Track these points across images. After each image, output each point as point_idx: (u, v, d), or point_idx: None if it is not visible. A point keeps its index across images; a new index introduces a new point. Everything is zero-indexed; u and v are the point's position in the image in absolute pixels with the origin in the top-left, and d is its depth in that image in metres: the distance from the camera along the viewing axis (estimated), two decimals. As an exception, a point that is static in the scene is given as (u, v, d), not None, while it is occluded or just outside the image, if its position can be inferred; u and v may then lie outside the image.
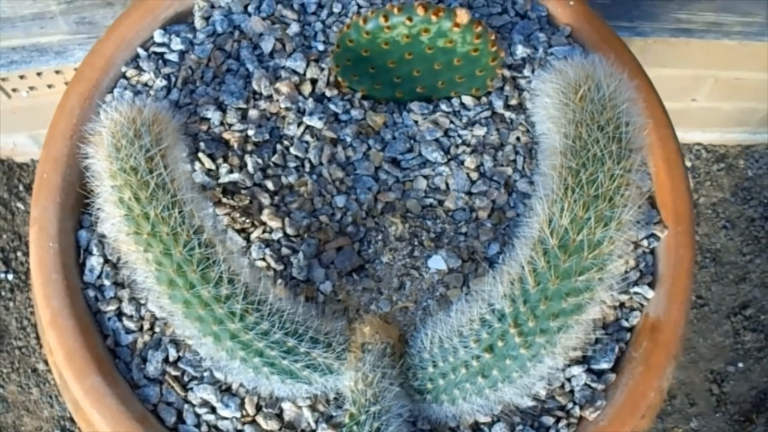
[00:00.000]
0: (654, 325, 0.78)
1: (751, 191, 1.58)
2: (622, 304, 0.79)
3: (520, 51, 0.88)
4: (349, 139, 0.84)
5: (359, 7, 0.90)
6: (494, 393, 0.69)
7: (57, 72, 1.27)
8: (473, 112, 0.86)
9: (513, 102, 0.86)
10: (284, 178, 0.82)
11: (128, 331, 0.77)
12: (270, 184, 0.81)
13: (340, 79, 0.85)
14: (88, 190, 0.69)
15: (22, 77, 1.28)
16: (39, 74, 1.28)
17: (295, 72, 0.86)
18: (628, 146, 0.63)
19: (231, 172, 0.81)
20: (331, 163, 0.83)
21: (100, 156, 0.65)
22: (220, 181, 0.81)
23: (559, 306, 0.63)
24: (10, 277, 1.47)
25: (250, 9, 0.90)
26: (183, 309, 0.67)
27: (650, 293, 0.79)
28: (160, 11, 0.89)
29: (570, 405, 0.75)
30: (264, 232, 0.79)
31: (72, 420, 1.39)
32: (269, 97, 0.84)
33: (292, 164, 0.82)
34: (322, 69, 0.86)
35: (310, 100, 0.85)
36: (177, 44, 0.87)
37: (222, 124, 0.83)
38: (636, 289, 0.79)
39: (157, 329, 0.77)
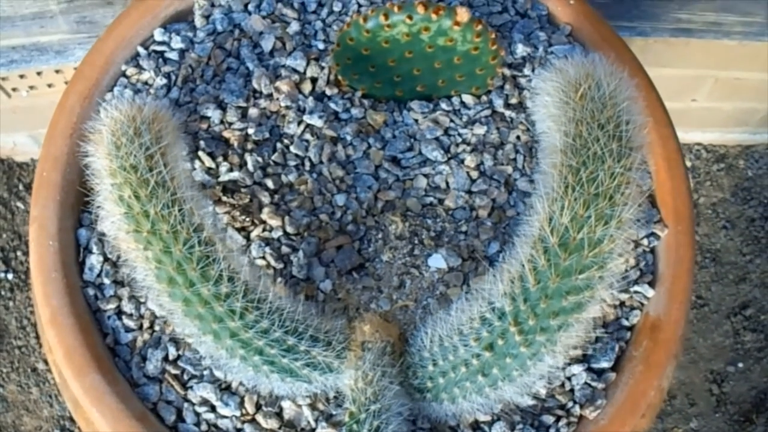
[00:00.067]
0: (654, 324, 0.78)
1: (751, 191, 1.58)
2: (622, 303, 0.79)
3: (521, 50, 0.88)
4: (349, 138, 0.84)
5: (359, 5, 0.90)
6: (494, 391, 0.69)
7: (57, 71, 1.27)
8: (473, 110, 0.86)
9: (513, 101, 0.86)
10: (284, 176, 0.82)
11: (128, 330, 0.77)
12: (270, 183, 0.81)
13: (340, 77, 0.85)
14: (87, 188, 0.69)
15: (22, 76, 1.28)
16: (39, 74, 1.27)
17: (295, 70, 0.86)
18: (629, 144, 0.63)
19: (231, 170, 0.81)
20: (331, 161, 0.83)
21: (100, 154, 0.65)
22: (220, 179, 0.81)
23: (560, 304, 0.63)
24: (10, 276, 1.47)
25: (250, 7, 0.90)
26: (183, 307, 0.67)
27: (650, 292, 0.79)
28: (160, 10, 0.89)
29: (570, 404, 0.75)
30: (264, 230, 0.79)
31: (72, 419, 1.39)
32: (269, 96, 0.84)
33: (292, 163, 0.82)
34: (323, 67, 0.86)
35: (311, 98, 0.85)
36: (177, 43, 0.87)
37: (222, 122, 0.83)
38: (636, 288, 0.79)
39: (156, 328, 0.77)
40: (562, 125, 0.63)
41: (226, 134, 0.82)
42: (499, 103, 0.86)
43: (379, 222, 0.81)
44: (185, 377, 0.75)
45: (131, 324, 0.77)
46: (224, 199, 0.80)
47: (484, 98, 0.87)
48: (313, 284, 0.78)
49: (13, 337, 1.44)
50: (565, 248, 0.61)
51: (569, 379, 0.76)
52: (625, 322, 0.79)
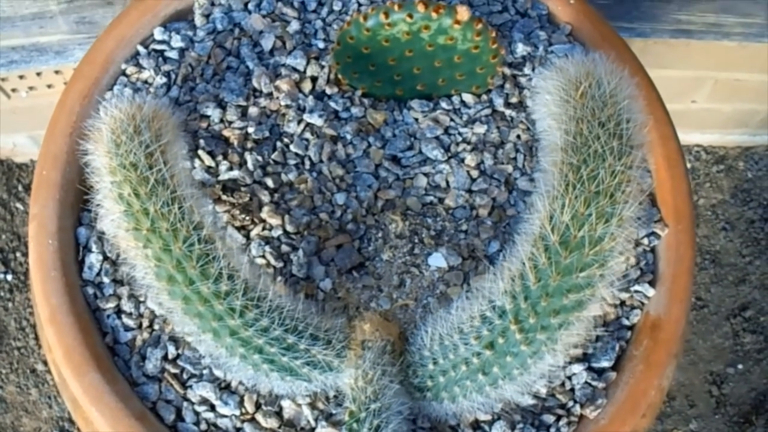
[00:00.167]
0: (655, 323, 0.78)
1: (750, 193, 1.58)
2: (622, 303, 0.79)
3: (521, 49, 0.87)
4: (349, 137, 0.84)
5: (360, 4, 0.90)
6: (495, 390, 0.69)
7: (56, 72, 1.27)
8: (474, 109, 0.86)
9: (513, 100, 0.86)
10: (284, 175, 0.81)
11: (127, 329, 0.77)
12: (270, 182, 0.81)
13: (340, 76, 0.85)
14: (87, 187, 0.69)
15: (21, 77, 1.28)
16: (38, 74, 1.27)
17: (295, 69, 0.86)
18: (629, 143, 0.63)
19: (231, 169, 0.81)
20: (331, 160, 0.82)
21: (99, 152, 0.65)
22: (220, 178, 0.81)
23: (560, 302, 0.63)
24: (9, 277, 1.47)
25: (250, 7, 0.90)
26: (182, 305, 0.67)
27: (651, 291, 0.79)
28: (160, 9, 0.89)
29: (570, 403, 0.75)
30: (264, 229, 0.79)
31: (71, 420, 1.39)
32: (269, 95, 0.84)
33: (292, 161, 0.82)
34: (323, 66, 0.86)
35: (311, 97, 0.84)
36: (177, 42, 0.87)
37: (222, 121, 0.83)
38: (636, 287, 0.79)
39: (156, 327, 0.77)
40: (563, 123, 0.63)
41: (225, 133, 0.82)
42: (499, 102, 0.86)
43: (379, 221, 0.81)
44: (185, 376, 0.75)
45: (131, 323, 0.77)
46: (224, 197, 0.80)
47: (485, 97, 0.87)
48: (313, 283, 0.78)
49: (13, 338, 1.43)
50: (566, 246, 0.61)
51: (570, 378, 0.76)
52: (626, 322, 0.79)
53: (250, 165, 0.81)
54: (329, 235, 0.80)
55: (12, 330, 1.44)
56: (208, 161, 0.81)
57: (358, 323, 0.74)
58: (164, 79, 0.85)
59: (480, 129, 0.85)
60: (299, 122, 0.83)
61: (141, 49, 0.87)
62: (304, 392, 0.74)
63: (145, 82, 0.86)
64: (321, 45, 0.88)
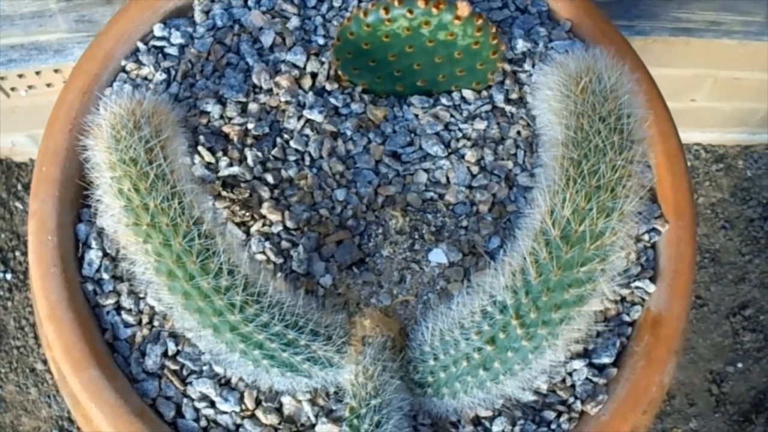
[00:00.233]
0: (655, 319, 0.78)
1: (750, 191, 1.58)
2: (623, 299, 0.79)
3: (521, 45, 0.87)
4: (349, 133, 0.84)
5: (360, 0, 0.90)
6: (496, 386, 0.69)
7: (56, 71, 1.27)
8: (474, 105, 0.86)
9: (513, 96, 0.86)
10: (284, 171, 0.81)
11: (127, 325, 0.76)
12: (270, 178, 0.81)
13: (340, 72, 0.85)
14: (87, 183, 0.68)
15: (20, 76, 1.28)
16: (38, 73, 1.27)
17: (295, 66, 0.86)
18: (630, 137, 0.63)
19: (231, 165, 0.81)
20: (331, 156, 0.82)
21: (99, 147, 0.65)
22: (220, 174, 0.80)
23: (561, 297, 0.63)
24: (9, 276, 1.46)
25: (250, 3, 0.90)
26: (182, 300, 0.67)
27: (651, 288, 0.79)
28: (159, 5, 0.88)
29: (571, 399, 0.75)
30: (264, 225, 0.79)
31: (70, 420, 1.39)
32: (269, 91, 0.84)
33: (292, 158, 0.82)
34: (323, 63, 0.86)
35: (310, 93, 0.84)
36: (177, 38, 0.87)
37: (222, 117, 0.83)
38: (637, 283, 0.79)
39: (156, 323, 0.76)
40: (564, 118, 0.63)
41: (225, 129, 0.82)
42: (499, 98, 0.86)
43: (380, 217, 0.81)
44: (184, 373, 0.75)
45: (130, 319, 0.76)
46: (224, 194, 0.80)
47: (485, 93, 0.87)
48: (313, 279, 0.78)
49: (12, 338, 1.43)
50: (567, 241, 0.61)
51: (570, 374, 0.76)
52: (626, 318, 0.78)
53: (250, 161, 0.81)
54: (329, 231, 0.79)
55: (11, 329, 1.44)
56: (208, 157, 0.81)
57: (359, 319, 0.73)
58: (164, 76, 0.85)
59: (480, 125, 0.85)
60: (299, 118, 0.83)
61: (141, 45, 0.87)
62: (305, 388, 0.73)
63: (145, 78, 0.85)
64: (321, 41, 0.87)
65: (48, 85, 1.30)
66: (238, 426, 0.73)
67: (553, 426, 0.74)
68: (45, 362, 1.42)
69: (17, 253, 1.48)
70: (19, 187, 1.53)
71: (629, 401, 0.75)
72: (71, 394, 0.74)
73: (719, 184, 1.58)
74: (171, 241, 0.64)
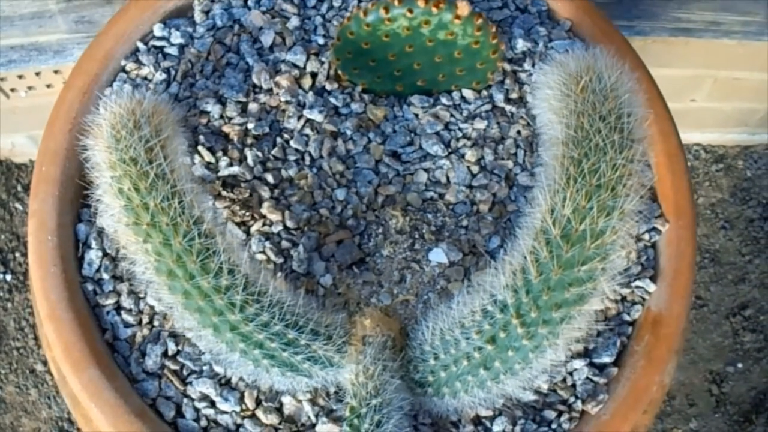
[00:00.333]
0: (656, 319, 0.77)
1: (750, 192, 1.58)
2: (623, 298, 0.79)
3: (521, 45, 0.87)
4: (349, 133, 0.84)
5: (359, 0, 0.90)
6: (496, 385, 0.69)
7: (56, 72, 1.27)
8: (474, 105, 0.86)
9: (513, 95, 0.86)
10: (284, 171, 0.81)
11: (127, 325, 0.76)
12: (270, 177, 0.81)
13: (340, 72, 0.85)
14: (87, 183, 0.68)
15: (20, 77, 1.28)
16: (38, 74, 1.27)
17: (295, 65, 0.86)
18: (630, 136, 0.63)
19: (231, 165, 0.81)
20: (331, 156, 0.82)
21: (99, 147, 0.65)
22: (220, 174, 0.80)
23: (562, 296, 0.63)
24: (8, 277, 1.46)
25: (249, 3, 0.90)
26: (182, 300, 0.67)
27: (652, 287, 0.79)
28: (159, 5, 0.88)
29: (572, 399, 0.75)
30: (264, 225, 0.79)
31: (70, 421, 1.38)
32: (269, 91, 0.84)
33: (292, 157, 0.82)
34: (323, 62, 0.86)
35: (311, 93, 0.84)
36: (177, 38, 0.87)
37: (222, 117, 0.83)
38: (638, 282, 0.79)
39: (156, 323, 0.76)
40: (564, 117, 0.63)
41: (225, 129, 0.82)
42: (499, 98, 0.86)
43: (380, 216, 0.81)
44: (185, 372, 0.75)
45: (130, 319, 0.76)
46: (224, 193, 0.80)
47: (485, 93, 0.87)
48: (314, 279, 0.78)
49: (12, 339, 1.43)
50: (568, 239, 0.61)
51: (571, 374, 0.76)
52: (627, 317, 0.78)
53: (250, 161, 0.81)
54: (329, 230, 0.79)
55: (11, 330, 1.43)
56: (208, 157, 0.81)
57: (359, 319, 0.73)
58: (164, 76, 0.85)
59: (480, 124, 0.85)
60: (299, 118, 0.83)
61: (140, 45, 0.87)
62: (305, 388, 0.73)
63: (145, 78, 0.85)
64: (321, 41, 0.87)
65: (48, 86, 1.30)
66: (238, 426, 0.73)
67: (553, 425, 0.74)
68: (45, 363, 1.42)
69: (17, 254, 1.48)
70: (19, 188, 1.53)
71: (630, 401, 0.75)
72: (71, 395, 0.74)
73: (719, 185, 1.58)
74: (171, 241, 0.64)
